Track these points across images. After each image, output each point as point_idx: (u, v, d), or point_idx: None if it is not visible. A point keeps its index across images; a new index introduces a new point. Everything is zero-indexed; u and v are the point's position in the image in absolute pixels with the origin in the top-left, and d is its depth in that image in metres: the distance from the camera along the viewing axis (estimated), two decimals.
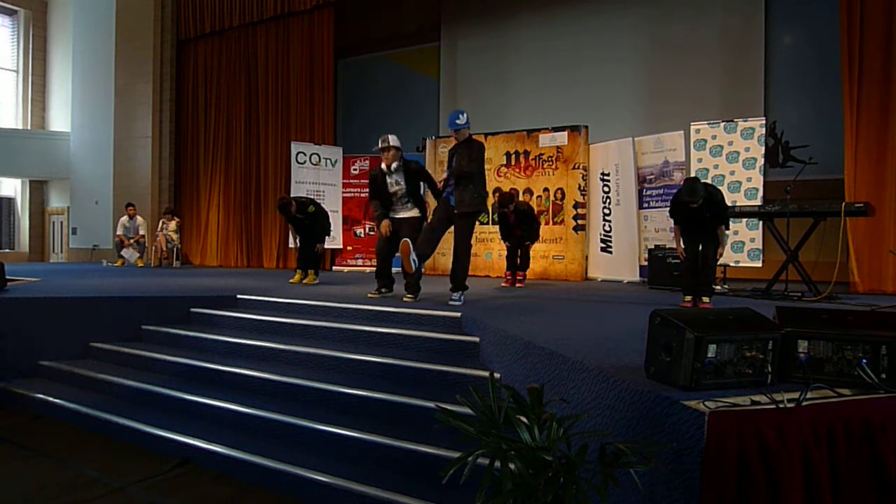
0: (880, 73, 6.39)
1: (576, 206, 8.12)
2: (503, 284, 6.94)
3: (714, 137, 7.27)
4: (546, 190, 8.36)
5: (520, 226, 6.71)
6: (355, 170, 10.02)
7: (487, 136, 8.91)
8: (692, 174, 7.36)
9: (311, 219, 6.93)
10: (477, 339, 3.87)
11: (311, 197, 8.28)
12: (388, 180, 5.30)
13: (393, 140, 5.28)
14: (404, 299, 5.10)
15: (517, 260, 6.91)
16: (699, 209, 4.83)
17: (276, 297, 5.43)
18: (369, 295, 5.37)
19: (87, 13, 13.26)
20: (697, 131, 7.39)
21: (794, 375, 2.09)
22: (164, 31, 12.29)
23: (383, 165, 5.30)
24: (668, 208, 7.37)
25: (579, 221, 8.11)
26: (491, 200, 7.63)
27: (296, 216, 6.86)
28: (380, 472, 2.86)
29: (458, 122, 4.97)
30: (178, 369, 4.33)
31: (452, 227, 5.06)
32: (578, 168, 8.13)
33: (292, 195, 9.75)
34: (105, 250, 12.37)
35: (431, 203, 6.07)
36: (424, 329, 4.20)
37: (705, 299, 4.99)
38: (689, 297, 5.13)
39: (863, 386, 1.97)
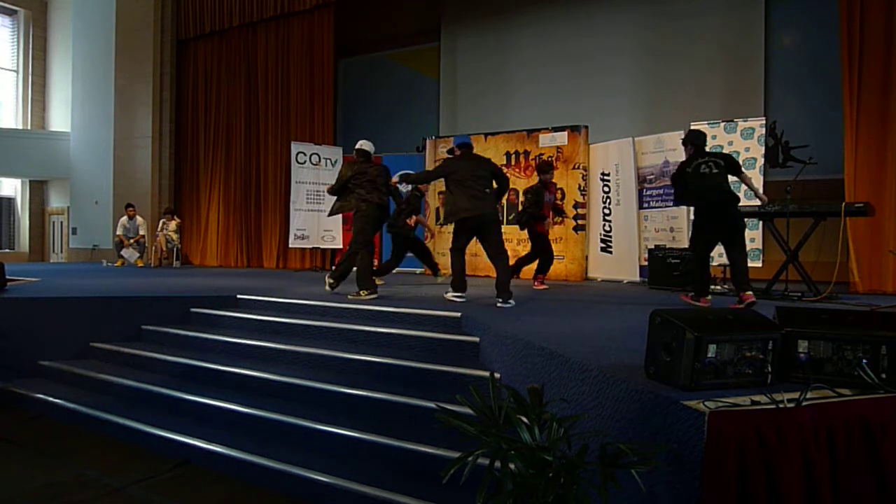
0: (880, 73, 6.39)
1: (576, 206, 8.12)
2: (538, 286, 6.62)
3: (714, 137, 7.27)
4: None
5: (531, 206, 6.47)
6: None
7: (487, 136, 8.91)
8: None
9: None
10: (477, 339, 3.87)
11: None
12: None
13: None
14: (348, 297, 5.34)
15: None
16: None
17: (276, 297, 5.44)
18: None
19: (87, 13, 13.25)
20: None
21: (794, 375, 2.09)
22: (164, 31, 12.29)
23: None
24: (668, 208, 7.43)
25: (579, 221, 8.11)
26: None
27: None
28: (380, 472, 2.86)
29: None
30: (178, 369, 4.33)
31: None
32: (578, 168, 8.13)
33: (292, 195, 9.78)
34: (105, 250, 12.36)
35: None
36: (424, 329, 4.20)
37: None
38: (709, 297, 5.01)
39: (863, 386, 1.97)
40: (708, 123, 7.36)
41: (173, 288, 6.28)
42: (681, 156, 7.42)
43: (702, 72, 8.95)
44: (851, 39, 6.53)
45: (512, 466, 1.70)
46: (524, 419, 1.82)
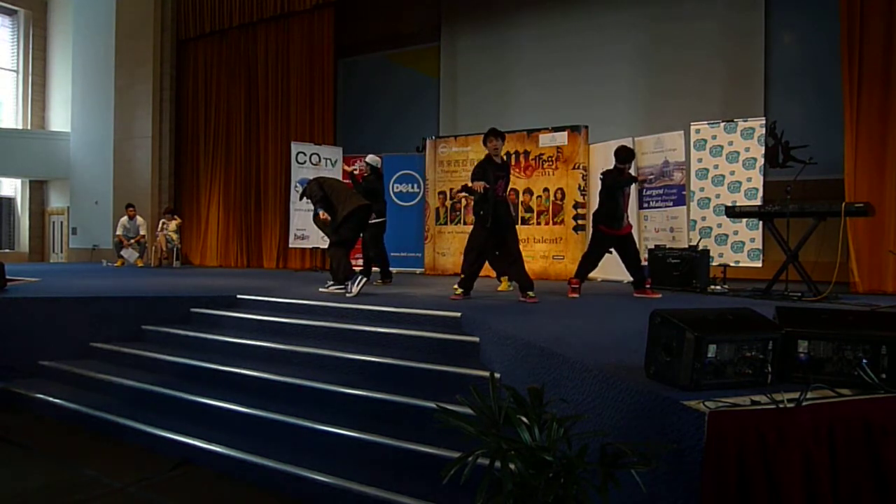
0: (880, 72, 6.38)
1: (576, 206, 8.12)
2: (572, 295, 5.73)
3: (714, 137, 7.27)
4: (546, 190, 8.35)
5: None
6: (355, 170, 10.01)
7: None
8: (692, 174, 7.37)
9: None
10: (477, 339, 3.87)
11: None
12: None
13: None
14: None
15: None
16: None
17: (276, 297, 5.44)
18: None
19: (87, 13, 13.25)
20: (697, 131, 7.39)
21: (794, 375, 2.08)
22: (164, 31, 12.29)
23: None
24: (668, 208, 7.43)
25: (579, 221, 8.11)
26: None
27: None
28: (380, 472, 2.86)
29: None
30: (178, 369, 4.33)
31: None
32: (578, 168, 8.13)
33: (292, 195, 9.78)
34: (105, 250, 12.36)
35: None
36: (424, 329, 4.20)
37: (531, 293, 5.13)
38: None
39: (863, 386, 1.97)
40: (708, 123, 7.36)
41: (173, 288, 6.28)
42: (680, 156, 7.47)
43: (702, 72, 8.95)
44: (851, 39, 6.52)
45: (512, 466, 1.70)
46: (524, 419, 1.82)
